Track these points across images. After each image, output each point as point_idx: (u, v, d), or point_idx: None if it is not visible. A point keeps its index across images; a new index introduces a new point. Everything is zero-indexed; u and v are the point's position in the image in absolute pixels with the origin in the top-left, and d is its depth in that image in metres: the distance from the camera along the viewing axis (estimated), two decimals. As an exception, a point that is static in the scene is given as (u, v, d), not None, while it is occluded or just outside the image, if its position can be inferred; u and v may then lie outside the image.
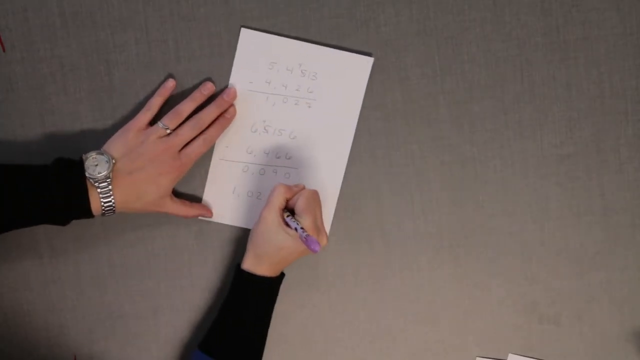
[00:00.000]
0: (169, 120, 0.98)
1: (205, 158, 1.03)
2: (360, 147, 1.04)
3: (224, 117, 1.02)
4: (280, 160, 1.04)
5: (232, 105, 1.02)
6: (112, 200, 0.95)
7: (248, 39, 1.02)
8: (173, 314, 1.06)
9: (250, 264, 0.99)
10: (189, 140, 0.99)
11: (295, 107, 1.03)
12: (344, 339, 1.07)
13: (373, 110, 1.04)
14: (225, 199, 1.05)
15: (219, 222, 1.05)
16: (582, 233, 1.06)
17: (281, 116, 1.04)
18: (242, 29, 1.02)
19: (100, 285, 1.05)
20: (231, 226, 1.05)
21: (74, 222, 0.98)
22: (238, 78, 1.03)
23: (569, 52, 1.04)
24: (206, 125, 1.00)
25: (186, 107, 1.00)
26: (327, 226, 1.05)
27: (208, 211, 1.04)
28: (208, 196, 1.04)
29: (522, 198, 1.06)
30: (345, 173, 1.05)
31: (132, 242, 1.05)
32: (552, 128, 1.05)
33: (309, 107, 1.03)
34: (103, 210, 0.95)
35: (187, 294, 1.06)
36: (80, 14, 1.02)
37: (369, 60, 1.03)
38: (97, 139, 1.02)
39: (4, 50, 1.02)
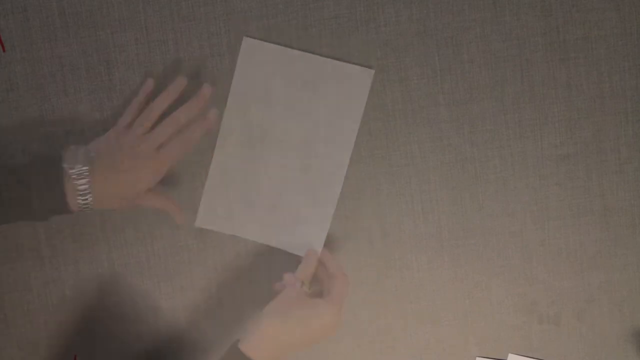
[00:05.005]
0: (144, 119, 0.98)
1: (205, 162, 1.03)
2: (360, 147, 1.04)
3: (205, 118, 0.99)
4: (281, 167, 1.04)
5: (213, 108, 0.99)
6: (89, 197, 0.94)
7: (250, 48, 1.02)
8: (173, 314, 1.06)
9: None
10: (164, 139, 0.97)
11: (295, 117, 1.03)
12: (344, 339, 1.07)
13: (373, 110, 1.04)
14: (225, 204, 1.04)
15: (218, 230, 1.05)
16: (582, 233, 1.06)
17: (281, 126, 1.03)
18: (244, 38, 1.02)
19: (100, 284, 1.05)
20: (231, 226, 1.05)
21: (74, 221, 0.98)
22: (239, 87, 1.03)
23: (569, 52, 1.04)
24: (181, 124, 0.98)
25: (159, 103, 0.99)
26: (327, 226, 1.05)
27: (177, 211, 1.02)
28: (206, 201, 1.04)
29: (522, 198, 1.06)
30: (345, 173, 1.05)
31: (132, 242, 1.05)
32: (552, 128, 1.05)
33: (310, 117, 1.03)
34: (80, 206, 0.95)
35: (187, 294, 1.06)
36: (80, 14, 1.02)
37: (370, 73, 1.02)
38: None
39: (4, 50, 1.02)
